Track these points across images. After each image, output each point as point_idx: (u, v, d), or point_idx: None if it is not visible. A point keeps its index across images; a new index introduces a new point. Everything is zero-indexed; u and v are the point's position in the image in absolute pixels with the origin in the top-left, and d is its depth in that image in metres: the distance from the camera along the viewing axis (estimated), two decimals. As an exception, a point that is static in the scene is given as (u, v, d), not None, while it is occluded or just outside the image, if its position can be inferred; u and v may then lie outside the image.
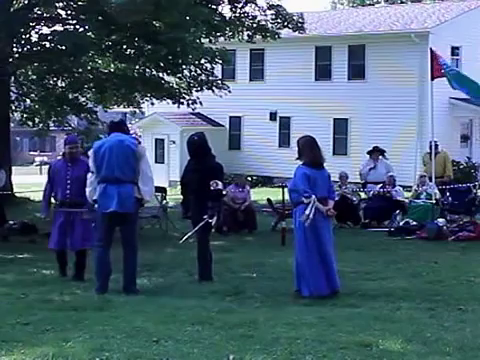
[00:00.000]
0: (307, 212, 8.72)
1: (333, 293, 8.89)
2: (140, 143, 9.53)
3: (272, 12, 24.44)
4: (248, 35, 24.66)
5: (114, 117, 9.92)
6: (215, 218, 10.00)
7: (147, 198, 9.47)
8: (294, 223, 9.15)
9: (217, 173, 10.11)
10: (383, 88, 29.13)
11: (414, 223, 16.10)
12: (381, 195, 17.80)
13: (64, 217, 10.37)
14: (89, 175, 9.38)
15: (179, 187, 10.87)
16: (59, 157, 11.68)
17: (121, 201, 9.10)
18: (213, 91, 23.21)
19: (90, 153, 9.39)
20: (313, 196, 8.76)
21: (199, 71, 22.56)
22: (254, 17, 24.25)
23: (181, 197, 10.73)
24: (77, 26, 21.25)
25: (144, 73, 22.40)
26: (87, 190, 9.39)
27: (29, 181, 32.96)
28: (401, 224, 16.35)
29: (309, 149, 9.08)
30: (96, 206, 9.29)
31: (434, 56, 16.26)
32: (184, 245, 10.85)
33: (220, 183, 9.97)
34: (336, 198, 10.24)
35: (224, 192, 10.70)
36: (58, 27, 21.72)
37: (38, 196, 25.11)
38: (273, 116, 32.65)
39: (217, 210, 10.20)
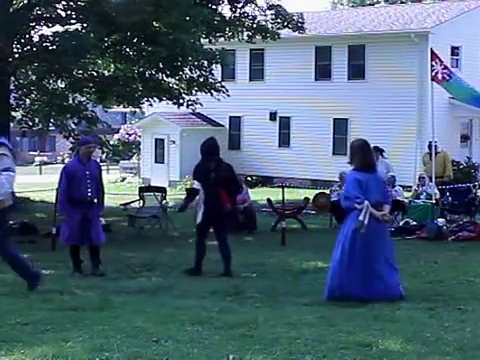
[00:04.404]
0: (361, 218, 8.37)
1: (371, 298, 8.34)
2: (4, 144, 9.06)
3: (272, 12, 24.41)
4: (248, 35, 24.63)
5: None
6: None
7: None
8: (343, 228, 8.73)
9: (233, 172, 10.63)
10: (383, 88, 29.13)
11: (414, 223, 16.11)
12: (381, 195, 17.78)
13: (83, 214, 10.62)
14: (9, 173, 8.79)
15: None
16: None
17: None
18: (211, 94, 23.18)
19: None
20: (366, 202, 8.42)
21: (198, 72, 22.52)
22: (254, 17, 24.23)
23: (184, 197, 10.84)
24: (77, 26, 21.24)
25: (144, 74, 22.39)
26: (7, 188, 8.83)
27: (29, 181, 32.96)
28: (401, 224, 16.35)
29: (360, 153, 8.74)
30: None
31: (434, 58, 16.21)
32: (184, 245, 10.85)
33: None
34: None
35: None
36: (58, 27, 21.72)
37: (38, 196, 25.14)
38: (273, 116, 32.64)
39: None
